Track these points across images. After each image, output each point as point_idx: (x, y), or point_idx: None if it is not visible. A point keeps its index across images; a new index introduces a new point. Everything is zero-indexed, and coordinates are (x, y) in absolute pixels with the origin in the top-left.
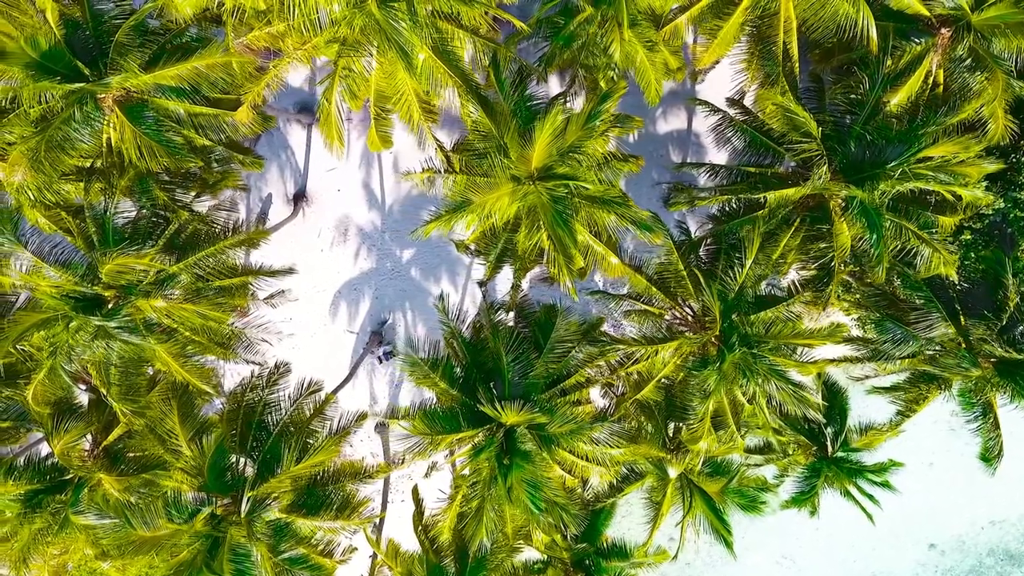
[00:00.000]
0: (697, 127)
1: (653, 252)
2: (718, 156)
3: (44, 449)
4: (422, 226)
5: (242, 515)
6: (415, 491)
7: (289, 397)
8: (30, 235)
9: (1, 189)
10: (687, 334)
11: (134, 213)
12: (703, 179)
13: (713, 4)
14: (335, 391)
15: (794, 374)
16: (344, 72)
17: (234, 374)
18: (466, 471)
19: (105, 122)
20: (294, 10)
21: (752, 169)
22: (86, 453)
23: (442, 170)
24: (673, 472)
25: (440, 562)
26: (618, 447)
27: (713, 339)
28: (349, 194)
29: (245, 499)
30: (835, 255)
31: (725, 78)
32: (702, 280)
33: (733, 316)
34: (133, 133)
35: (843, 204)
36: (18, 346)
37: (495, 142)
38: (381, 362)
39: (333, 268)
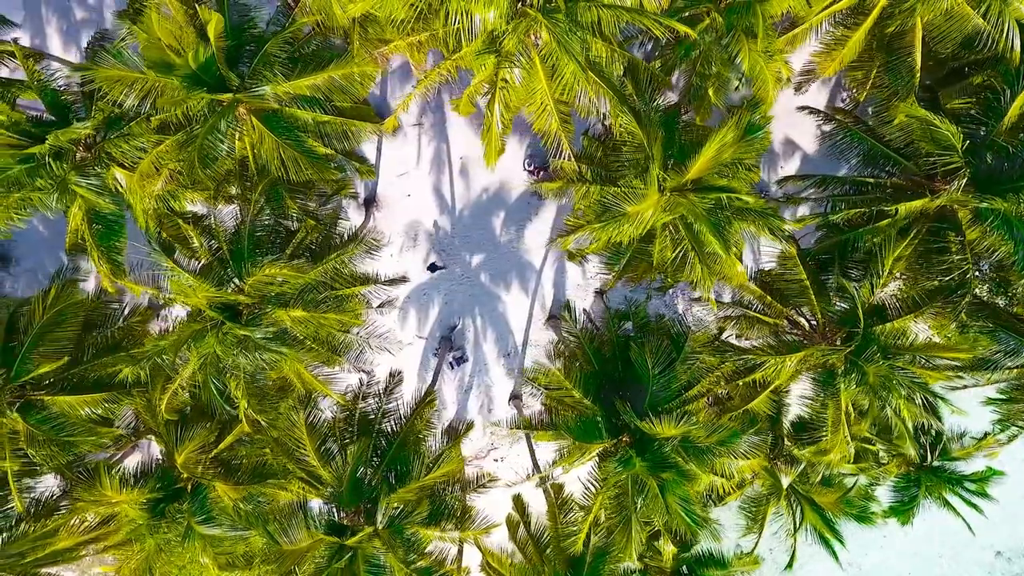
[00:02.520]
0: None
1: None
2: (789, 165)
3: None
4: (561, 237)
5: (379, 526)
6: (518, 500)
7: (406, 405)
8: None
9: (118, 193)
10: (806, 344)
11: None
12: (773, 188)
13: (838, 13)
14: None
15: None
16: (502, 83)
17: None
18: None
19: (234, 131)
20: (452, 17)
21: (871, 180)
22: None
23: (574, 179)
24: (786, 481)
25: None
26: (754, 458)
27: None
28: (419, 199)
29: (381, 510)
30: (968, 266)
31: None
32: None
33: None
34: (274, 143)
35: (972, 215)
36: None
37: (644, 153)
38: (452, 368)
39: (403, 273)
